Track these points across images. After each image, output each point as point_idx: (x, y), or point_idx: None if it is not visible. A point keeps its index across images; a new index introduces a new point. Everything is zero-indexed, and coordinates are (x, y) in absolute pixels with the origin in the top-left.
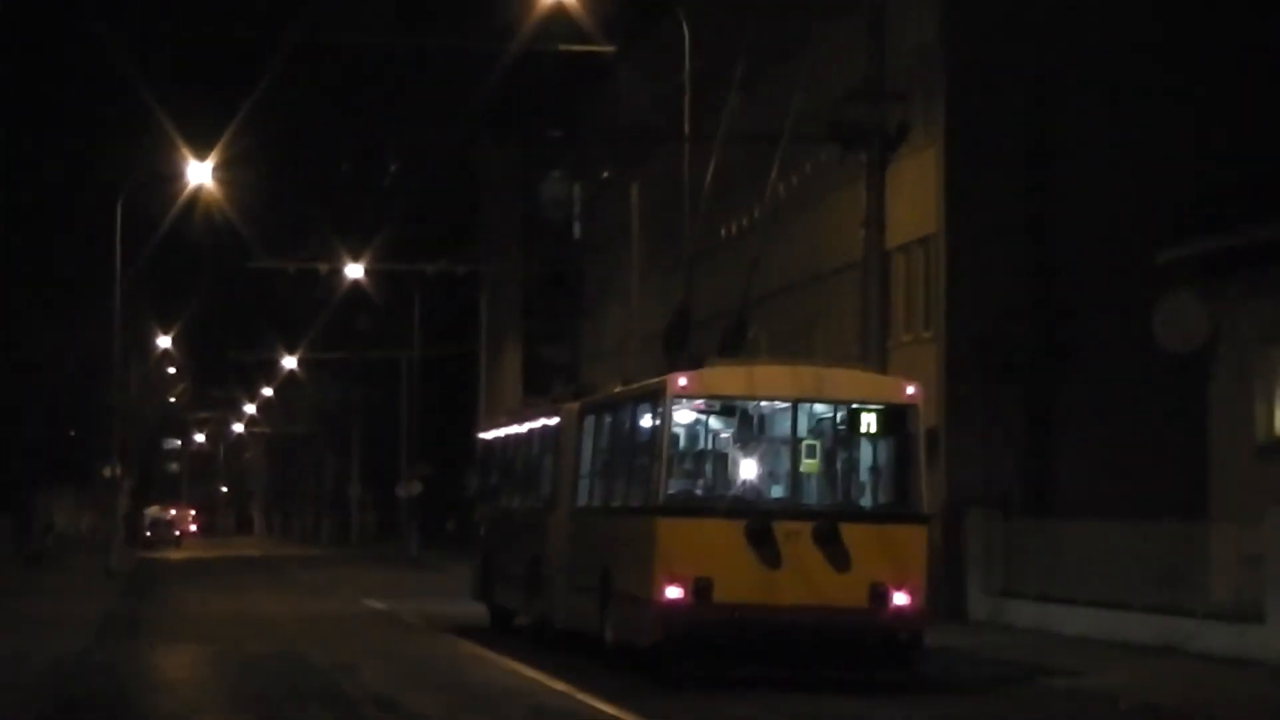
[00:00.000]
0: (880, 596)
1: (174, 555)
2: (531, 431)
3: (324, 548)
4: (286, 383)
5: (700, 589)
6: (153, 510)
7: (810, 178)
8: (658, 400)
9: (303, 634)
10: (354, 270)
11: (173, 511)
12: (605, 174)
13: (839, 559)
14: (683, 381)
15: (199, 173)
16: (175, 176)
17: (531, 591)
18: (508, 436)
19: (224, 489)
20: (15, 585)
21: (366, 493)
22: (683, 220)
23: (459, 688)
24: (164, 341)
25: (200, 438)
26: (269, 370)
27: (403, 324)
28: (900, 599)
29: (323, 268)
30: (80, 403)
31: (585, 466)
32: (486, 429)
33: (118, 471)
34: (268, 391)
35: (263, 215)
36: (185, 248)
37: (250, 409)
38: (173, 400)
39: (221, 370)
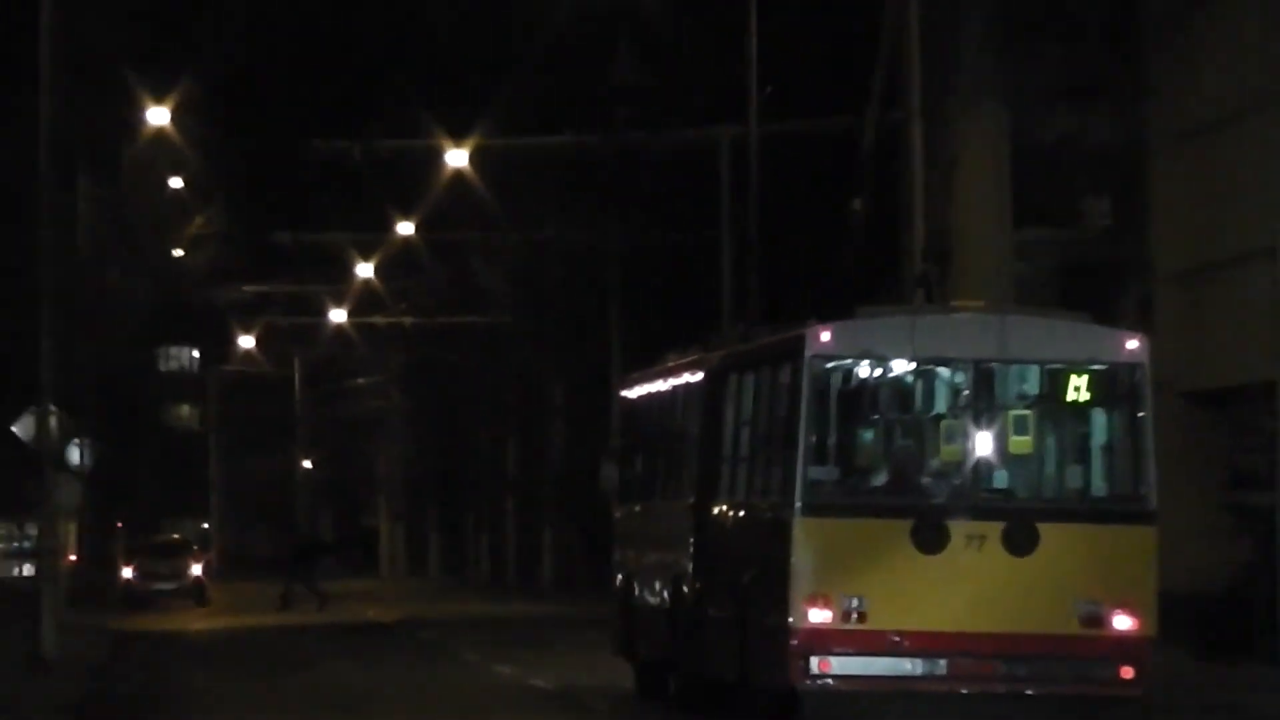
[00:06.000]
0: (1094, 620)
1: (195, 625)
2: (674, 393)
3: (502, 598)
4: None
5: (852, 613)
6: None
7: None
8: (794, 361)
9: None
10: None
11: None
12: None
13: (1038, 571)
14: (825, 337)
15: None
16: None
17: (674, 630)
18: (649, 399)
19: (306, 463)
20: None
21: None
22: None
23: None
24: (157, 115)
25: (247, 342)
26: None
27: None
28: (1121, 623)
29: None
30: None
31: (726, 448)
32: (630, 385)
33: (52, 429)
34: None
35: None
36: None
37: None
38: (178, 255)
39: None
